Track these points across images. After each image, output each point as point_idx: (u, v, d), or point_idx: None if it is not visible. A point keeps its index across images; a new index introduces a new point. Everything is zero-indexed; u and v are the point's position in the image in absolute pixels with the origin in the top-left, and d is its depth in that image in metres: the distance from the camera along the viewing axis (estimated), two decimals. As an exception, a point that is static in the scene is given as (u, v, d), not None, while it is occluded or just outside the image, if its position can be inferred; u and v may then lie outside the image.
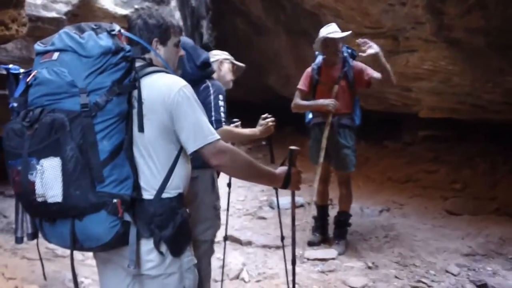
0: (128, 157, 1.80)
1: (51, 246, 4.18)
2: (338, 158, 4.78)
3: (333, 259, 4.56)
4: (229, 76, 3.23)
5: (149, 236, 1.86)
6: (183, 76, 2.21)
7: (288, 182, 2.16)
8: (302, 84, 4.77)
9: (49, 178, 1.66)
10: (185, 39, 2.72)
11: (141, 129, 1.83)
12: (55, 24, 4.83)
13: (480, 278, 4.03)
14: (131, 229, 1.80)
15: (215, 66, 3.09)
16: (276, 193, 3.60)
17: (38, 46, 1.85)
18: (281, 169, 2.17)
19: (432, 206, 6.11)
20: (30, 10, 4.47)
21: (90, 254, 3.89)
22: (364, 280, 4.06)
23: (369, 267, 4.39)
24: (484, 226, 5.28)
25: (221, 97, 2.82)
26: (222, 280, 3.60)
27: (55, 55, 1.77)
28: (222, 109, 2.80)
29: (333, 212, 5.20)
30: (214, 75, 3.03)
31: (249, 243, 4.94)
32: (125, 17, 5.36)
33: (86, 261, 3.94)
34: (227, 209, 3.26)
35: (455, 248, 4.75)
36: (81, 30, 1.79)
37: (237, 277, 4.16)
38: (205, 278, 2.87)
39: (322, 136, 4.65)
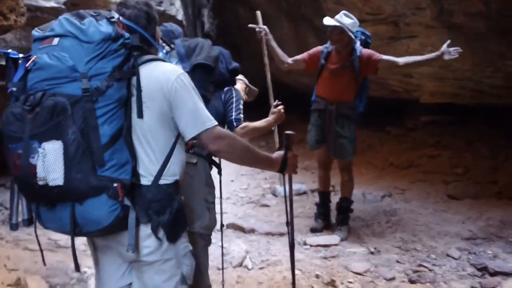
0: (126, 143, 1.82)
1: (54, 236, 4.26)
2: (334, 146, 4.79)
3: (335, 245, 4.60)
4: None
5: (147, 222, 1.88)
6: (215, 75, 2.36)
7: (285, 166, 2.22)
8: (306, 53, 4.84)
9: (50, 161, 1.67)
10: (220, 48, 2.88)
11: (140, 115, 1.85)
12: (54, 14, 4.81)
13: (480, 261, 4.07)
14: (130, 214, 1.82)
15: None
16: (284, 178, 3.63)
17: (36, 32, 1.86)
18: (278, 154, 2.23)
19: (433, 191, 6.14)
20: (29, 0, 4.47)
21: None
22: (366, 265, 4.10)
23: (371, 252, 4.42)
24: (485, 210, 5.32)
25: (241, 101, 2.96)
26: (223, 268, 3.62)
27: (55, 40, 1.78)
28: (241, 111, 2.93)
29: (335, 198, 5.22)
30: None
31: (252, 231, 4.97)
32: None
33: (88, 251, 3.96)
34: (220, 197, 3.25)
35: (456, 232, 4.79)
36: (81, 17, 1.80)
37: (240, 264, 4.19)
38: (204, 269, 2.85)
39: (321, 122, 4.66)
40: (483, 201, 5.64)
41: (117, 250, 1.98)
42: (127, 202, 1.79)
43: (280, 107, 3.13)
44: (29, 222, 1.94)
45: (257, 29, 4.49)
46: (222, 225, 3.54)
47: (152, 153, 1.90)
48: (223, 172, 3.02)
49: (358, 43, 4.65)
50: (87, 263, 3.76)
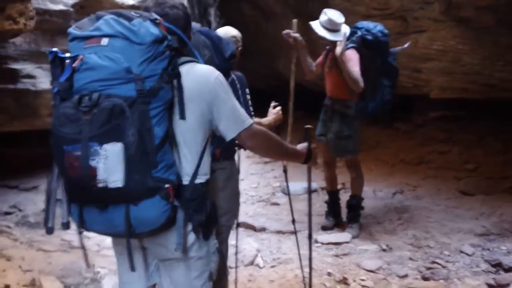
0: (170, 144, 1.83)
1: (67, 237, 4.28)
2: (333, 143, 4.79)
3: (347, 242, 4.58)
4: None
5: (188, 221, 1.90)
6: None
7: (309, 157, 2.31)
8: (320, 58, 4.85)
9: (112, 163, 1.67)
10: (205, 29, 2.68)
11: (182, 116, 1.85)
12: (62, 17, 4.85)
13: (494, 257, 4.03)
14: (179, 213, 1.85)
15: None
16: (286, 177, 3.70)
17: (75, 31, 1.84)
18: (302, 146, 2.33)
19: (445, 187, 6.09)
20: (37, 3, 4.49)
21: (106, 244, 3.97)
22: (378, 263, 4.08)
23: (383, 250, 4.40)
24: (497, 206, 5.26)
25: (247, 90, 2.91)
26: (236, 267, 3.63)
27: (104, 40, 1.76)
28: (249, 102, 2.91)
29: (345, 196, 5.20)
30: None
31: (263, 229, 4.96)
32: (132, 7, 5.36)
33: (101, 251, 3.99)
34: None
35: (469, 228, 4.74)
36: (127, 17, 1.79)
37: (251, 263, 4.19)
38: (226, 261, 3.00)
39: (326, 117, 4.71)
40: (495, 196, 5.57)
41: (151, 250, 1.99)
42: (176, 202, 1.81)
43: (278, 108, 3.13)
44: (67, 226, 1.91)
45: (291, 35, 4.43)
46: (238, 224, 3.58)
47: (189, 153, 1.91)
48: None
49: (350, 43, 4.56)
50: (100, 263, 3.78)
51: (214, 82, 1.91)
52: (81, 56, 1.77)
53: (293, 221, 3.61)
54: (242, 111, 1.99)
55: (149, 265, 2.07)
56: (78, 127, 1.68)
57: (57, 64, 1.84)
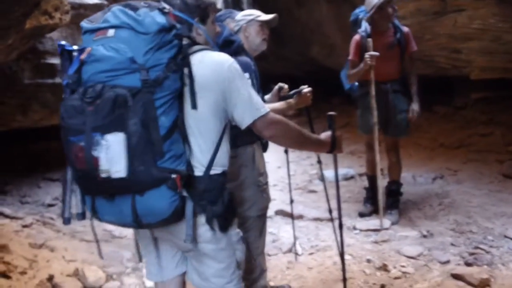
0: (181, 134, 1.83)
1: (109, 227, 4.37)
2: (395, 123, 4.72)
3: (386, 229, 4.51)
4: (259, 38, 2.99)
5: (201, 212, 1.90)
6: None
7: (334, 146, 2.26)
8: (352, 54, 4.64)
9: (114, 153, 1.69)
10: None
11: (194, 106, 1.84)
12: (97, 10, 4.87)
13: (541, 241, 3.90)
14: (188, 204, 1.84)
15: (241, 36, 2.93)
16: (320, 167, 3.66)
17: (87, 24, 1.87)
18: (326, 135, 2.27)
19: (487, 170, 5.91)
20: (72, -3, 4.54)
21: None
22: (419, 249, 4.00)
23: (424, 236, 4.31)
24: (543, 188, 5.09)
25: (247, 75, 2.73)
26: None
27: (111, 31, 1.79)
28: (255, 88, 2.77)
29: (383, 182, 5.11)
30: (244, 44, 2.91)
31: (300, 217, 4.95)
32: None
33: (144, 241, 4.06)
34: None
35: (513, 212, 4.60)
36: (134, 8, 1.80)
37: (290, 250, 4.19)
38: (254, 252, 2.91)
39: (382, 103, 4.59)
40: (541, 178, 5.39)
41: (170, 240, 2.00)
42: (184, 193, 1.81)
43: (307, 90, 3.07)
44: (82, 216, 1.96)
45: (366, 57, 4.36)
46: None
47: (204, 143, 1.90)
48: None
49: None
50: (142, 252, 3.85)
51: (228, 70, 1.89)
52: (89, 48, 1.79)
53: (330, 211, 3.58)
54: (258, 99, 1.95)
55: (174, 256, 2.09)
56: (83, 118, 1.71)
57: (65, 57, 1.88)
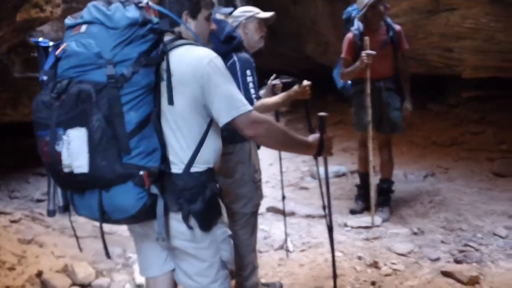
0: (156, 130, 1.80)
1: (99, 224, 4.34)
2: (388, 120, 4.72)
3: (377, 226, 4.52)
4: (257, 35, 3.01)
5: (177, 210, 1.87)
6: None
7: (322, 149, 2.16)
8: (345, 53, 4.63)
9: (75, 149, 1.68)
10: None
11: (170, 101, 1.82)
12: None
13: (530, 240, 3.92)
14: (158, 202, 1.81)
15: (240, 32, 2.93)
16: (316, 163, 3.62)
17: (68, 20, 1.88)
18: (314, 137, 2.17)
19: (478, 168, 5.94)
20: (64, -10, 4.51)
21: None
22: (410, 246, 4.02)
23: (415, 233, 4.33)
24: (533, 187, 5.11)
25: (248, 72, 2.74)
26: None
27: (83, 27, 1.79)
28: (251, 85, 2.74)
29: (375, 179, 5.11)
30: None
31: (292, 214, 4.94)
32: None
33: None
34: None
35: (503, 211, 4.62)
36: (109, 3, 1.80)
37: (281, 247, 4.18)
38: (246, 249, 2.90)
39: (376, 101, 4.57)
40: (530, 177, 5.42)
41: (154, 238, 1.99)
42: (154, 190, 1.78)
43: (306, 83, 3.05)
44: (64, 209, 1.96)
45: (363, 55, 4.35)
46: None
47: (184, 140, 1.88)
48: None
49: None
50: (132, 249, 3.83)
51: (208, 65, 1.85)
52: (64, 44, 1.80)
53: (324, 207, 3.57)
54: (239, 97, 1.89)
55: (161, 252, 2.08)
56: (50, 113, 1.71)
57: (41, 53, 1.90)
